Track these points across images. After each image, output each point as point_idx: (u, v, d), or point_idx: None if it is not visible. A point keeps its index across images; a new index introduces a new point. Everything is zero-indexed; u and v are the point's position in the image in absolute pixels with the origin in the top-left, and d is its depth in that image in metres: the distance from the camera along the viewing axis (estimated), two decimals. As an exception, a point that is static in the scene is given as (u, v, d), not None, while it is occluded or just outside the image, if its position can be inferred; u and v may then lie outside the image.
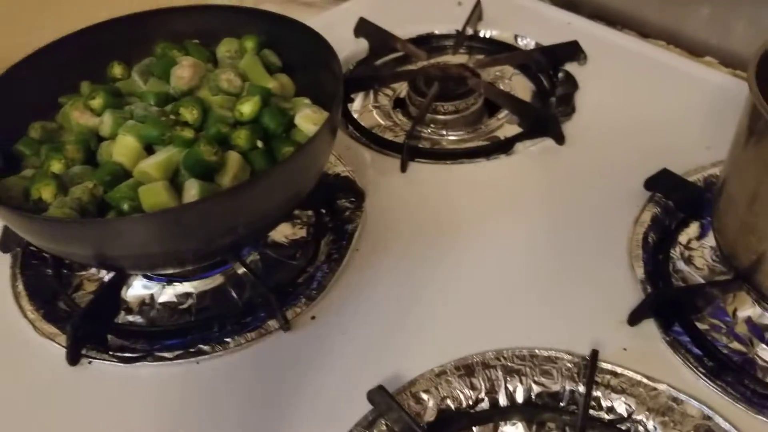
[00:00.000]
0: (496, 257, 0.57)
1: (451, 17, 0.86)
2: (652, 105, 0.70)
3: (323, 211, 0.63)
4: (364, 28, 0.83)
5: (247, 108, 0.56)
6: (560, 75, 0.74)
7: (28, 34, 0.83)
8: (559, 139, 0.65)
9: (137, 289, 0.58)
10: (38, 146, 0.58)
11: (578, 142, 0.66)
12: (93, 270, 0.60)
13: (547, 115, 0.67)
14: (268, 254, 0.60)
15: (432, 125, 0.72)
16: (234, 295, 0.57)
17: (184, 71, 0.59)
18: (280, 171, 0.49)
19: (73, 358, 0.52)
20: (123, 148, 0.54)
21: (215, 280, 0.58)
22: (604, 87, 0.72)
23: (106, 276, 0.59)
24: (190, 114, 0.55)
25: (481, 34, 0.84)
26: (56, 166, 0.54)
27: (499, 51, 0.81)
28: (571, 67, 0.75)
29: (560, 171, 0.64)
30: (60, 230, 0.46)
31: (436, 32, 0.85)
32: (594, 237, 0.58)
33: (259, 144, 0.55)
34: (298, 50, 0.63)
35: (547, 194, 0.62)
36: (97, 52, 0.64)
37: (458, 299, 0.54)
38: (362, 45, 0.84)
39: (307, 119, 0.56)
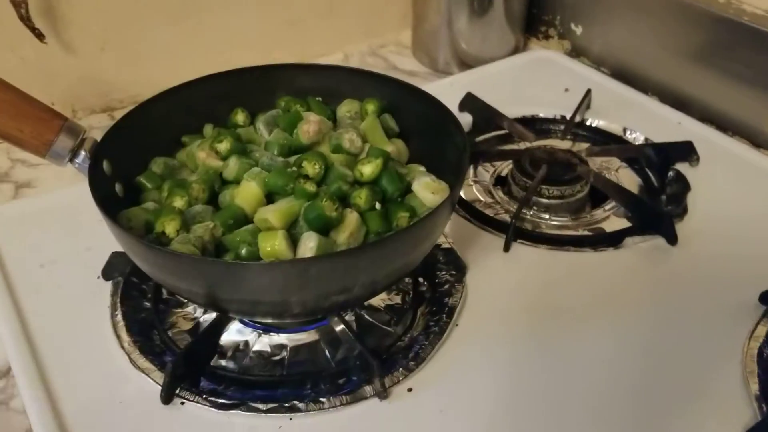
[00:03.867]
0: (603, 354, 0.55)
1: (555, 102, 0.87)
2: (766, 217, 0.68)
3: (421, 279, 0.63)
4: (470, 102, 0.84)
5: (368, 169, 0.57)
6: (670, 174, 0.73)
7: (158, 74, 0.87)
8: (672, 239, 0.64)
9: (232, 334, 0.57)
10: (159, 181, 0.59)
11: (690, 245, 0.64)
12: (189, 308, 0.60)
13: (660, 212, 0.66)
14: (363, 316, 0.59)
15: (534, 207, 0.71)
16: (327, 353, 0.56)
17: (310, 126, 0.60)
18: (406, 236, 0.49)
19: (168, 397, 0.51)
20: (246, 193, 0.55)
21: (310, 336, 0.58)
22: (717, 192, 0.71)
23: (202, 317, 0.59)
24: (312, 168, 0.56)
25: (588, 123, 0.84)
26: (178, 202, 0.55)
27: (605, 141, 0.81)
28: (681, 167, 0.74)
29: (670, 272, 0.62)
30: (188, 267, 0.46)
31: (541, 115, 0.86)
32: (704, 347, 0.56)
33: (378, 206, 0.55)
34: (416, 117, 0.64)
35: (656, 295, 0.60)
36: (221, 98, 0.66)
37: (561, 393, 0.52)
38: (465, 119, 0.85)
39: (426, 187, 0.56)
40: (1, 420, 0.52)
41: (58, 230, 0.68)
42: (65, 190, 0.72)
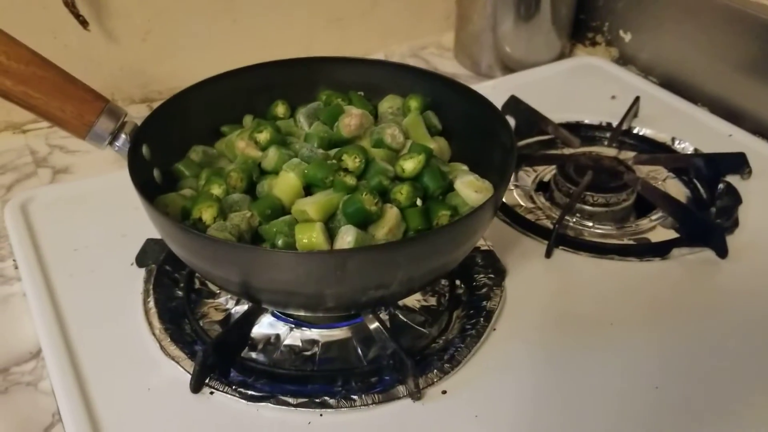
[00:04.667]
0: (645, 367, 0.53)
1: (601, 109, 0.84)
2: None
3: (457, 282, 0.61)
4: (514, 106, 0.82)
5: (410, 165, 0.56)
6: (720, 186, 0.70)
7: (197, 67, 0.86)
8: (722, 252, 0.61)
9: (264, 326, 0.56)
10: (197, 169, 0.59)
11: (741, 259, 0.62)
12: (221, 299, 0.59)
13: (711, 224, 0.63)
14: (397, 316, 0.58)
15: (578, 214, 0.69)
16: (359, 351, 0.55)
17: (352, 120, 0.58)
18: (448, 233, 0.47)
19: (197, 386, 0.50)
20: (284, 184, 0.54)
21: (343, 333, 0.56)
22: (770, 206, 0.68)
23: (233, 308, 0.58)
24: (352, 162, 0.55)
25: (635, 131, 0.81)
26: (216, 190, 0.54)
27: (652, 151, 0.79)
28: (732, 179, 0.71)
29: (719, 287, 0.60)
30: (226, 253, 0.45)
31: (586, 121, 0.83)
32: (753, 364, 0.53)
33: (419, 202, 0.54)
34: (460, 116, 0.63)
35: (704, 309, 0.58)
36: (261, 89, 0.65)
37: (600, 404, 0.50)
38: (508, 123, 0.83)
39: (470, 186, 0.55)
40: (29, 401, 0.52)
41: (93, 216, 0.68)
42: (101, 176, 0.72)
